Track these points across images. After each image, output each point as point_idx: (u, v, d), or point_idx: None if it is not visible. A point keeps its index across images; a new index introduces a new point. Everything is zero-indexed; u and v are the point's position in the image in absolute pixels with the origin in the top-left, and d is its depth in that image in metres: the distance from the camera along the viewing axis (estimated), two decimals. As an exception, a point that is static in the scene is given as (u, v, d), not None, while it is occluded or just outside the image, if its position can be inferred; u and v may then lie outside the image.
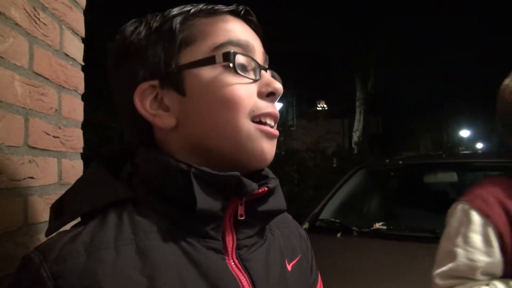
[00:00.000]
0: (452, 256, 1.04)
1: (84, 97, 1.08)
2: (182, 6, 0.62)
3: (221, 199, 0.56)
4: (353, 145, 10.45)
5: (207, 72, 0.58)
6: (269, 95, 0.61)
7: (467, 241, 1.02)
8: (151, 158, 0.59)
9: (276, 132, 0.62)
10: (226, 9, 0.63)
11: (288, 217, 0.77)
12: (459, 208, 1.08)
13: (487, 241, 1.01)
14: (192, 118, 0.59)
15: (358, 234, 2.58)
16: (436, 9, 8.83)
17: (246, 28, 0.63)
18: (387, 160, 3.51)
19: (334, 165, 8.16)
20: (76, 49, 1.05)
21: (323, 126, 8.80)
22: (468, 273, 1.02)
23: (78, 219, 0.58)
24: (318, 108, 13.21)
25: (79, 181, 0.62)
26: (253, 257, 0.60)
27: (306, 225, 2.85)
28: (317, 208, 3.02)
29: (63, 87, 0.98)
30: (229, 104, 0.58)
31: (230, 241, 0.59)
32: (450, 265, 1.05)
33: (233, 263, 0.58)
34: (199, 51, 0.59)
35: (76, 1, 1.06)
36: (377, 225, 2.56)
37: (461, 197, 1.09)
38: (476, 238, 1.02)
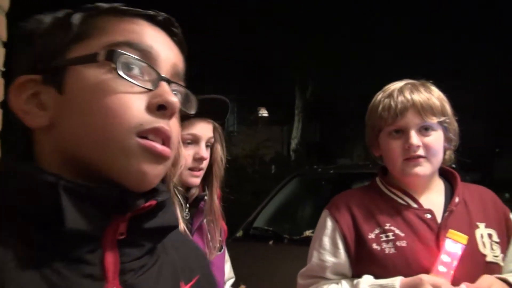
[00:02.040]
0: (310, 258, 1.19)
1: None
2: (102, 4, 0.55)
3: (99, 217, 0.49)
4: (291, 152, 10.71)
5: (92, 72, 0.51)
6: (160, 109, 0.52)
7: (320, 244, 1.18)
8: (12, 170, 0.50)
9: (165, 151, 0.53)
10: (142, 13, 0.55)
11: (186, 236, 0.76)
12: (322, 215, 1.23)
13: (334, 243, 1.16)
14: (65, 120, 0.52)
15: (288, 242, 2.68)
16: (375, 19, 9.21)
17: (163, 37, 0.56)
18: (320, 169, 3.67)
19: (272, 172, 8.32)
20: (-3, 56, 1.02)
21: (263, 133, 8.94)
22: (319, 272, 1.17)
23: None
24: (259, 115, 13.39)
25: None
26: (140, 281, 0.53)
27: (240, 233, 2.91)
28: (251, 216, 3.08)
29: (-19, 98, 0.94)
30: (108, 112, 0.50)
31: (111, 265, 0.51)
32: (307, 266, 1.20)
33: None
34: (90, 47, 0.52)
35: (-2, 7, 1.02)
36: (307, 233, 2.67)
37: (327, 205, 1.23)
38: (327, 241, 1.17)
